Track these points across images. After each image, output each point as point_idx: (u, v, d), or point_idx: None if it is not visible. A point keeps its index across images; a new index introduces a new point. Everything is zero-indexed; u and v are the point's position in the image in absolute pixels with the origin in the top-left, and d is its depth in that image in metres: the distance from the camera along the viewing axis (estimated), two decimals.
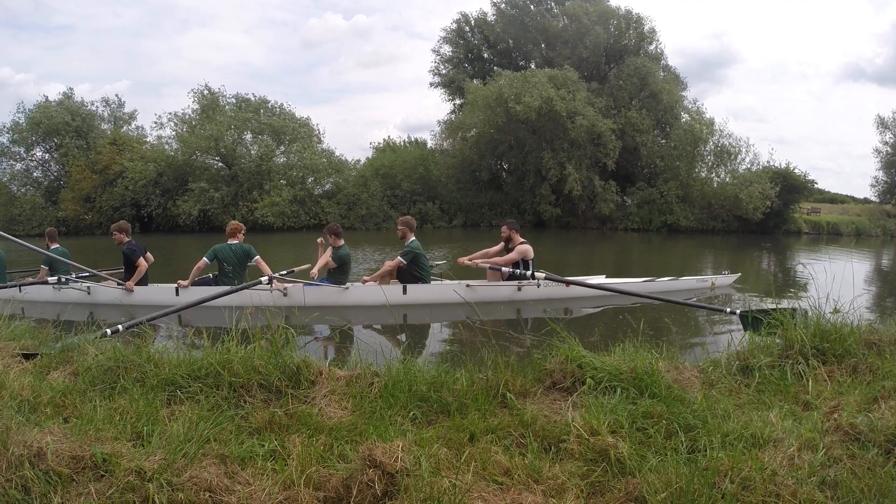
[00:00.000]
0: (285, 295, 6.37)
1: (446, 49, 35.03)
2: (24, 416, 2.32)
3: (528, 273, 6.76)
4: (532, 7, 32.87)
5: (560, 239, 21.02)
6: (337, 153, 29.63)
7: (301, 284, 6.52)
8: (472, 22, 34.39)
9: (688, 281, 7.75)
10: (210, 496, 1.86)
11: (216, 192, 25.45)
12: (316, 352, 3.25)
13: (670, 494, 1.84)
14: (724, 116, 65.08)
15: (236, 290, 5.78)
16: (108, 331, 3.78)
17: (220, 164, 27.16)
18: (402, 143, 35.22)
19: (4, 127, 28.78)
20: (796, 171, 27.51)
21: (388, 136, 44.66)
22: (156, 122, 29.14)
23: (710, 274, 8.96)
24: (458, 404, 2.64)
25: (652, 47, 31.32)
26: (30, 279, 7.30)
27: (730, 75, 74.52)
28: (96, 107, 30.77)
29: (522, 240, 7.05)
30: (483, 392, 2.75)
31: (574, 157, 26.47)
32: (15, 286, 6.79)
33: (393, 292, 6.48)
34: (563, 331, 3.20)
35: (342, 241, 6.76)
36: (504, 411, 2.61)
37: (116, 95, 37.50)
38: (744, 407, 2.66)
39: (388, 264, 6.83)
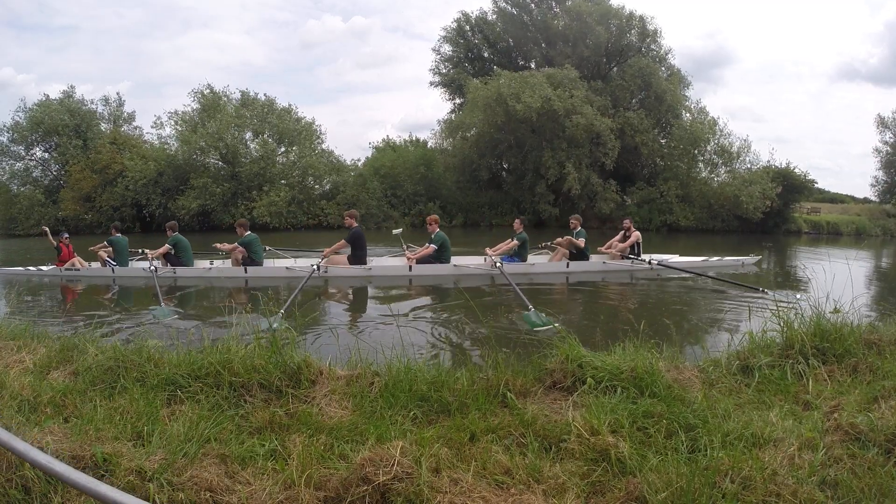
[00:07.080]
0: (493, 266, 8.51)
1: (446, 48, 34.93)
2: (24, 416, 2.33)
3: (639, 256, 9.63)
4: (533, 6, 32.76)
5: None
6: (336, 153, 29.73)
7: (501, 259, 8.96)
8: (473, 21, 34.32)
9: (727, 259, 10.50)
10: (211, 496, 1.86)
11: (217, 188, 25.45)
12: (316, 351, 3.24)
13: (671, 494, 1.84)
14: (720, 116, 64.74)
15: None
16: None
17: (221, 163, 27.12)
18: (403, 143, 35.13)
19: (4, 126, 28.75)
20: (796, 170, 27.46)
21: (388, 136, 44.41)
22: (155, 123, 28.98)
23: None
24: (459, 404, 2.64)
25: (655, 47, 31.21)
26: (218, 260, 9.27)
27: (725, 75, 74.11)
28: (96, 105, 30.78)
29: (636, 229, 10.04)
30: (483, 392, 2.75)
31: (573, 157, 26.42)
32: (208, 264, 8.92)
33: (559, 266, 9.40)
34: (564, 330, 3.20)
35: (522, 228, 9.37)
36: (504, 411, 2.61)
37: (117, 93, 37.38)
38: (744, 406, 2.66)
39: (568, 241, 9.60)
